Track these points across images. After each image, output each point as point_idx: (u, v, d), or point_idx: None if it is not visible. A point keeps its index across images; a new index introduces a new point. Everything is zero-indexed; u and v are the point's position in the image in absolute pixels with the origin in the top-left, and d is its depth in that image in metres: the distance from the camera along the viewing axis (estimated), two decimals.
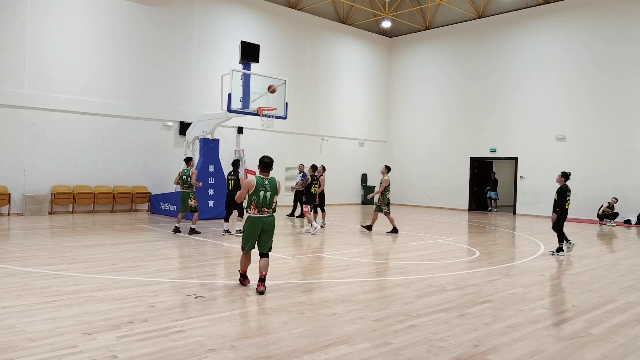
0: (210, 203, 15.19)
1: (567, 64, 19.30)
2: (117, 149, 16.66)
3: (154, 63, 17.39)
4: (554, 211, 10.02)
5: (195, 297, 6.01)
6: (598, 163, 18.21)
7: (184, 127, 17.65)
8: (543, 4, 20.05)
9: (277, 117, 15.09)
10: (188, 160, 12.11)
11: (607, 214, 16.41)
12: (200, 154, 15.55)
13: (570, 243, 10.16)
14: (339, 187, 23.02)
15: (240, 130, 19.57)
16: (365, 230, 13.28)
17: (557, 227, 10.06)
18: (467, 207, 22.10)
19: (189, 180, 11.61)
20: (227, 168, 18.31)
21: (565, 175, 10.03)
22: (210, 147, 15.43)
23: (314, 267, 8.26)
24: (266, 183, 6.42)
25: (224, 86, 14.80)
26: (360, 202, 24.09)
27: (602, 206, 16.58)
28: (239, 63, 15.35)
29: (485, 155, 21.80)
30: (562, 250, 10.13)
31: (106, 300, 5.76)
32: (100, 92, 16.29)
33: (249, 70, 15.02)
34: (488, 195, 22.22)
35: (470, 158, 22.19)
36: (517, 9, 20.87)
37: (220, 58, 18.91)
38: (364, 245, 10.83)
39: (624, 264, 9.41)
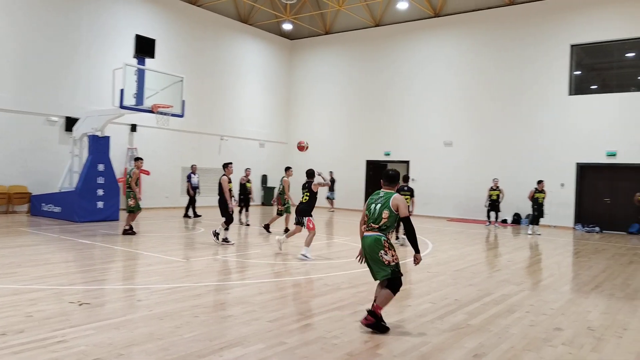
0: (100, 204, 14.32)
1: (454, 73, 20.71)
2: None
3: (38, 52, 16.03)
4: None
5: (80, 304, 5.64)
6: (480, 167, 19.72)
7: (70, 122, 16.44)
8: (434, 17, 21.35)
9: (173, 115, 14.62)
10: (135, 160, 12.06)
11: (494, 201, 17.36)
12: (88, 152, 14.60)
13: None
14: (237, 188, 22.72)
15: (133, 127, 18.66)
16: (265, 231, 13.27)
17: None
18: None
19: (129, 180, 11.68)
20: (117, 167, 17.43)
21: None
22: (99, 145, 14.55)
23: (210, 270, 8.10)
24: (381, 195, 5.35)
25: (116, 81, 14.03)
26: (260, 203, 24.01)
27: (488, 197, 17.56)
28: (133, 57, 14.66)
29: (380, 158, 22.73)
30: None
31: None
32: None
33: (144, 65, 14.39)
34: (327, 196, 22.23)
35: (367, 160, 23.02)
36: (411, 20, 22.02)
37: (112, 51, 17.89)
38: (262, 247, 10.82)
39: (501, 260, 10.28)
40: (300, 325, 5.18)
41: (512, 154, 19.15)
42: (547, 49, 18.56)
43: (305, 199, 9.77)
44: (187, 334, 4.77)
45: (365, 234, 5.29)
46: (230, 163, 11.21)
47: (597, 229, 17.09)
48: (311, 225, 9.45)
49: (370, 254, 5.21)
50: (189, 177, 16.83)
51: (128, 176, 11.86)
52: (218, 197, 10.89)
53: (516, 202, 18.53)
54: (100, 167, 14.40)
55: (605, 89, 18.12)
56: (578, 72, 18.49)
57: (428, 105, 21.34)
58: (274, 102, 25.05)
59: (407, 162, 21.92)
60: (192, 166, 17.19)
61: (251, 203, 15.33)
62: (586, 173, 17.81)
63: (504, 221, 18.61)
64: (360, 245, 5.41)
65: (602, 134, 17.37)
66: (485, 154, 19.78)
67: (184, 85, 15.06)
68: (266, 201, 23.57)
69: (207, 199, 18.51)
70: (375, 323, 5.01)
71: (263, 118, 24.48)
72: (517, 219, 18.75)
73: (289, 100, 25.80)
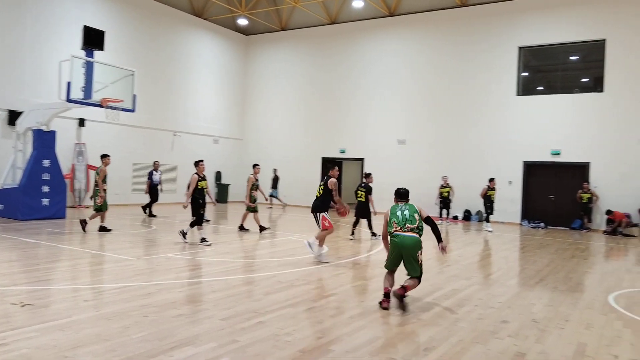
0: (45, 201, 13.76)
1: (408, 73, 21.05)
2: None
3: None
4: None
5: (22, 306, 5.40)
6: (432, 165, 20.14)
7: (13, 116, 15.68)
8: (389, 16, 21.62)
9: (123, 110, 14.20)
10: (102, 157, 11.87)
11: (445, 198, 17.79)
12: (33, 147, 13.99)
13: None
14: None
15: (81, 122, 18.00)
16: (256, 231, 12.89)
17: None
18: None
19: (96, 177, 11.57)
20: (64, 163, 16.79)
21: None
22: (45, 139, 13.97)
23: (162, 268, 7.93)
24: (401, 205, 6.50)
25: (62, 73, 13.49)
26: (214, 201, 23.64)
27: (439, 194, 17.98)
28: (81, 49, 14.12)
29: (335, 155, 22.85)
30: None
31: None
32: None
33: (92, 58, 13.91)
34: (270, 194, 21.98)
35: (322, 157, 23.10)
36: (366, 19, 22.22)
37: (59, 42, 17.17)
38: (215, 245, 10.68)
39: (451, 255, 10.53)
40: (253, 323, 5.14)
41: (463, 152, 19.67)
42: (497, 51, 19.14)
43: (319, 194, 9.14)
44: (136, 334, 4.65)
45: (405, 234, 6.15)
46: (202, 161, 10.89)
47: (542, 224, 17.79)
48: (327, 224, 8.83)
49: (411, 253, 6.12)
50: (150, 175, 16.33)
51: (96, 174, 11.74)
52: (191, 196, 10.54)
53: (467, 199, 19.05)
54: (46, 162, 13.83)
55: (550, 90, 18.87)
56: (525, 74, 19.16)
57: (382, 103, 21.61)
58: (228, 97, 24.75)
59: (361, 160, 22.14)
60: (154, 163, 16.70)
61: (207, 200, 15.08)
62: (532, 171, 18.51)
63: (455, 217, 19.10)
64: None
65: (547, 133, 18.08)
66: (436, 152, 20.22)
67: (135, 79, 14.64)
68: (220, 198, 23.27)
69: (163, 196, 18.08)
70: (404, 296, 6.14)
71: (217, 114, 24.15)
72: (467, 216, 19.29)
73: (245, 96, 25.55)
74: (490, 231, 15.63)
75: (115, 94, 13.97)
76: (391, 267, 6.30)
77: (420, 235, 6.27)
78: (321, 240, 8.90)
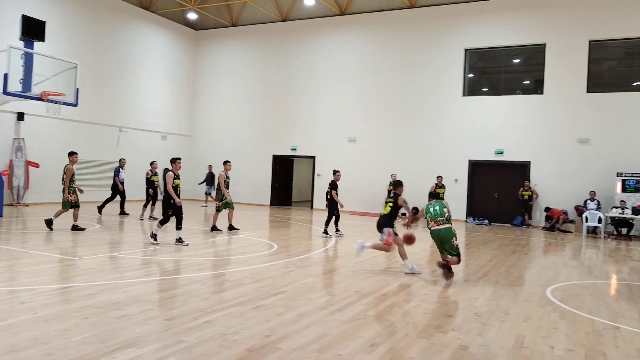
0: None
1: (358, 72, 21.27)
2: None
3: None
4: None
5: None
6: (382, 163, 20.44)
7: None
8: (340, 14, 21.75)
9: (65, 104, 13.63)
10: (69, 155, 11.53)
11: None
12: None
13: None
14: (139, 182, 21.73)
15: (20, 116, 17.15)
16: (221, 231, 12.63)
17: None
18: (269, 203, 22.88)
19: (64, 176, 11.29)
20: (1, 159, 15.97)
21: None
22: None
23: (105, 268, 7.67)
24: (432, 203, 8.17)
25: None
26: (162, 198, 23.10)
27: (388, 192, 18.23)
28: (20, 40, 13.46)
29: (286, 153, 22.81)
30: None
31: None
32: None
33: (32, 49, 13.27)
34: (205, 191, 21.55)
35: (273, 155, 23.00)
36: (317, 17, 22.26)
37: None
38: (163, 243, 10.43)
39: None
40: (199, 322, 5.06)
41: (411, 151, 20.07)
42: (444, 52, 19.64)
43: (387, 212, 8.62)
44: (76, 336, 4.48)
45: (439, 227, 7.84)
46: (179, 159, 10.41)
47: (486, 221, 18.41)
48: (390, 240, 8.34)
49: (445, 240, 7.79)
50: (117, 172, 15.68)
51: (63, 172, 11.40)
52: (163, 194, 10.18)
53: (415, 196, 19.44)
54: None
55: (494, 91, 19.54)
56: (471, 75, 19.77)
57: (333, 101, 21.74)
58: (177, 93, 24.21)
59: (313, 157, 22.20)
60: (120, 160, 16.01)
61: (159, 198, 14.79)
62: (477, 169, 19.12)
63: (403, 214, 19.45)
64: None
65: (491, 133, 18.72)
66: (386, 150, 20.55)
67: (78, 72, 14.09)
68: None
69: (107, 194, 17.49)
70: (447, 267, 7.74)
71: (166, 109, 23.59)
72: (415, 213, 19.65)
73: (194, 92, 25.07)
74: None
75: (57, 87, 13.40)
76: (440, 251, 8.03)
77: (451, 223, 7.93)
78: (403, 255, 8.46)
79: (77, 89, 14.03)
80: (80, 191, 11.80)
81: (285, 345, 4.54)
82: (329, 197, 13.00)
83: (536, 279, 8.29)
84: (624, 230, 15.78)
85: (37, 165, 17.21)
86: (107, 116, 20.56)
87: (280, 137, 22.88)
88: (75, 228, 11.48)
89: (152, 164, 15.04)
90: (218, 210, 12.69)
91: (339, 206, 12.97)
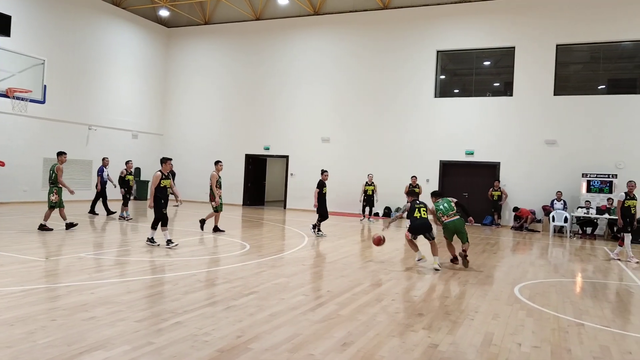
0: None
1: (332, 72, 21.33)
2: None
3: None
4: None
5: None
6: (355, 163, 20.55)
7: None
8: (313, 14, 21.77)
9: (32, 101, 13.31)
10: (59, 155, 11.56)
11: (370, 196, 18.09)
12: None
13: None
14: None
15: None
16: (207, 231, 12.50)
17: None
18: (241, 202, 22.76)
19: (54, 176, 11.34)
20: None
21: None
22: None
23: (73, 269, 7.50)
24: (439, 201, 9.40)
25: None
26: (133, 197, 22.74)
27: (364, 192, 18.28)
28: None
29: (259, 152, 22.71)
30: None
31: None
32: None
33: None
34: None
35: (246, 154, 22.88)
36: (290, 17, 22.23)
37: None
38: (133, 243, 10.27)
39: (372, 251, 10.81)
40: (170, 323, 5.00)
41: (384, 151, 20.23)
42: (417, 53, 19.85)
43: (425, 215, 9.31)
44: (42, 339, 4.37)
45: (452, 219, 9.09)
46: (170, 159, 10.12)
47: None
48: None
49: (461, 229, 9.07)
50: (100, 171, 15.29)
51: (51, 171, 11.42)
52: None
53: (387, 196, 19.62)
54: None
55: (465, 93, 19.86)
56: (443, 77, 20.04)
57: (307, 101, 21.75)
58: (149, 91, 23.86)
59: (286, 157, 22.16)
60: (103, 159, 15.59)
61: (131, 197, 14.63)
62: (448, 170, 19.40)
63: (376, 214, 19.61)
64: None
65: (462, 134, 19.02)
66: (360, 150, 20.66)
67: (45, 69, 13.77)
68: (139, 195, 22.41)
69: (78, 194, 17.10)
70: (466, 254, 9.15)
71: (137, 108, 23.22)
72: (387, 213, 19.88)
73: (166, 91, 24.73)
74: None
75: (23, 84, 13.07)
76: (450, 239, 9.27)
77: (460, 215, 9.18)
78: (435, 251, 9.17)
79: (45, 86, 13.72)
80: (71, 192, 11.70)
81: (256, 345, 4.52)
82: (318, 197, 13.08)
83: (505, 278, 8.46)
84: (588, 230, 16.24)
85: (2, 164, 16.72)
86: (76, 114, 20.13)
87: (254, 137, 22.78)
88: (42, 227, 11.29)
89: (127, 163, 14.86)
90: (216, 210, 12.49)
91: (322, 206, 13.07)
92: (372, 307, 6.08)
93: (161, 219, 9.87)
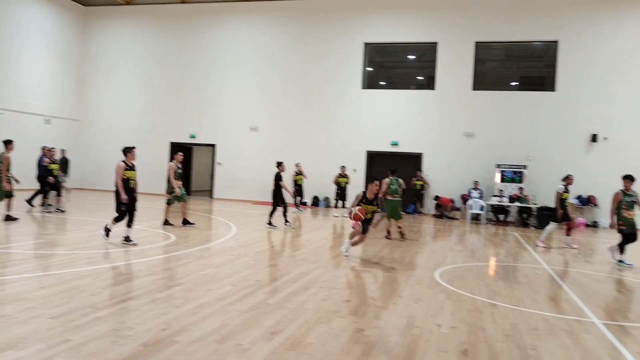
0: None
1: (260, 60, 21.09)
2: None
3: None
4: None
5: None
6: (284, 152, 20.48)
7: None
8: (243, 0, 21.36)
9: None
10: (7, 143, 11.16)
11: (300, 186, 18.11)
12: None
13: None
14: (24, 168, 19.93)
15: None
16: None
17: None
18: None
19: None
20: None
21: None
22: None
23: None
24: (393, 180, 11.67)
25: None
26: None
27: (294, 182, 18.26)
28: None
29: (185, 140, 22.11)
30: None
31: None
32: None
33: None
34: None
35: (171, 142, 22.18)
36: (219, 1, 21.69)
37: None
38: (47, 236, 9.69)
39: (300, 240, 10.88)
40: (89, 319, 4.77)
41: (312, 141, 20.36)
42: (345, 44, 20.08)
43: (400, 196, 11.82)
44: None
45: (395, 199, 11.57)
46: (133, 147, 9.25)
47: (380, 210, 19.17)
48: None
49: (397, 208, 11.55)
50: (41, 161, 13.98)
51: None
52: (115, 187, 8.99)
53: (316, 186, 19.79)
54: None
55: (391, 85, 20.40)
56: (370, 69, 20.42)
57: (234, 89, 21.40)
58: (64, 74, 22.44)
59: (213, 146, 21.72)
60: (43, 148, 14.38)
61: (62, 188, 13.83)
62: (374, 160, 19.86)
63: (304, 203, 19.73)
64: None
65: (387, 125, 19.52)
66: (288, 140, 20.66)
67: None
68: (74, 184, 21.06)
69: None
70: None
71: (50, 91, 21.77)
72: (316, 202, 20.07)
73: (83, 74, 23.37)
74: (337, 216, 16.45)
75: None
76: (388, 216, 11.42)
77: (400, 197, 11.60)
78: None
79: None
80: (17, 181, 11.38)
81: (183, 338, 4.43)
82: (273, 188, 12.87)
83: (426, 263, 8.82)
84: (501, 217, 17.29)
85: None
86: None
87: (179, 124, 22.11)
88: (8, 218, 11.04)
89: (50, 150, 13.97)
90: (168, 203, 11.98)
91: (288, 195, 13.16)
92: (300, 295, 6.13)
93: (121, 216, 9.01)
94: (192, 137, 21.93)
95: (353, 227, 9.09)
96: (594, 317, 5.81)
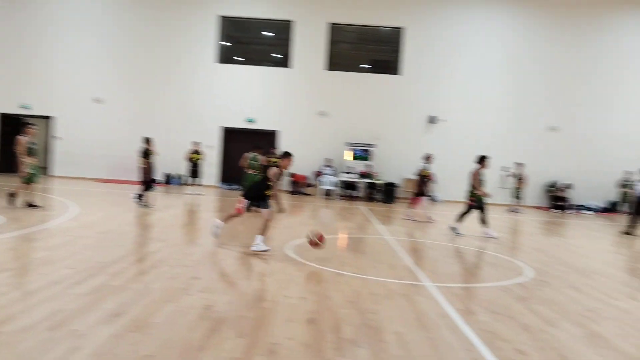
0: None
1: (106, 24, 19.49)
2: None
3: None
4: None
5: None
6: (134, 127, 19.21)
7: None
8: None
9: None
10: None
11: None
12: None
13: None
14: None
15: None
16: None
17: None
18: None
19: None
20: None
21: None
22: None
23: None
24: (252, 155, 12.48)
25: None
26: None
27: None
28: None
29: (16, 111, 19.67)
30: None
31: None
32: None
33: None
34: None
35: (1, 114, 19.60)
36: None
37: None
38: None
39: (150, 219, 10.39)
40: None
41: (165, 115, 19.48)
42: (196, 16, 19.40)
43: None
44: None
45: (252, 174, 11.22)
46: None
47: (236, 186, 19.16)
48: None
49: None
50: None
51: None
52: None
53: (168, 162, 18.99)
54: None
55: (248, 61, 20.22)
56: (225, 43, 19.98)
57: (75, 57, 19.51)
58: None
59: (48, 118, 19.65)
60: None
61: None
62: (230, 137, 19.63)
63: (153, 180, 18.82)
64: None
65: (244, 102, 19.39)
66: (138, 114, 19.50)
67: None
68: None
69: None
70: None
71: None
72: (168, 180, 19.30)
73: None
74: (201, 194, 16.02)
75: None
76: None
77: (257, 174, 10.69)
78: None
79: None
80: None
81: (9, 328, 3.99)
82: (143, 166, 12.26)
83: (278, 237, 9.01)
84: (352, 192, 18.33)
85: None
86: None
87: (7, 93, 19.57)
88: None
89: None
90: (27, 182, 10.63)
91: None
92: (146, 274, 5.88)
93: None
94: (26, 107, 19.57)
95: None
96: (427, 280, 6.45)
